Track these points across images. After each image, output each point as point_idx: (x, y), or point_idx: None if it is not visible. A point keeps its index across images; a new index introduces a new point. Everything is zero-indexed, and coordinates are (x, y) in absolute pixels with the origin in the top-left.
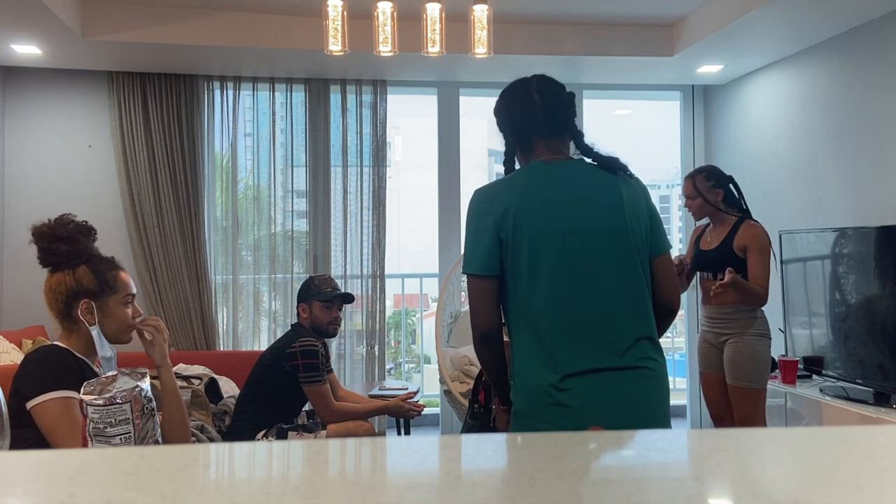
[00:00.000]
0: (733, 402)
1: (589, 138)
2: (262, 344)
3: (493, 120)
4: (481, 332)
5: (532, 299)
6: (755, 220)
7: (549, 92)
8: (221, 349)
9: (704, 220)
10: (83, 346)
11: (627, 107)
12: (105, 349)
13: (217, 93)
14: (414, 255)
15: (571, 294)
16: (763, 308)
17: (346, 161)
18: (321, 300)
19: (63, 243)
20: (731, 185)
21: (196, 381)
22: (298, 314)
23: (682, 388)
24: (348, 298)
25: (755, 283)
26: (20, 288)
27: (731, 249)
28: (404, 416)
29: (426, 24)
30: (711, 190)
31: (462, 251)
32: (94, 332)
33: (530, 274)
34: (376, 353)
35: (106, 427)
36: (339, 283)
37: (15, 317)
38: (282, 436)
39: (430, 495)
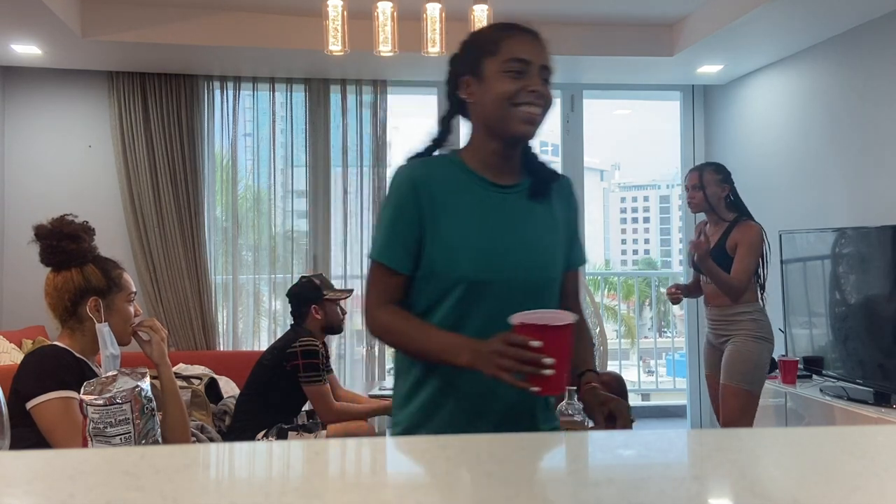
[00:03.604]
0: (721, 401)
1: None
2: (262, 344)
3: None
4: None
5: None
6: (754, 221)
7: None
8: (221, 349)
9: (702, 217)
10: (84, 345)
11: (627, 107)
12: (113, 347)
13: (217, 93)
14: None
15: None
16: (766, 311)
17: (346, 161)
18: (333, 299)
19: (71, 241)
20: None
21: (196, 381)
22: (308, 315)
23: (682, 388)
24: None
25: (734, 276)
26: (20, 288)
27: (724, 251)
28: None
29: (426, 24)
30: (718, 184)
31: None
32: (105, 328)
33: None
34: (376, 353)
35: (106, 427)
36: (339, 283)
37: (15, 317)
38: (282, 436)
39: (430, 495)
